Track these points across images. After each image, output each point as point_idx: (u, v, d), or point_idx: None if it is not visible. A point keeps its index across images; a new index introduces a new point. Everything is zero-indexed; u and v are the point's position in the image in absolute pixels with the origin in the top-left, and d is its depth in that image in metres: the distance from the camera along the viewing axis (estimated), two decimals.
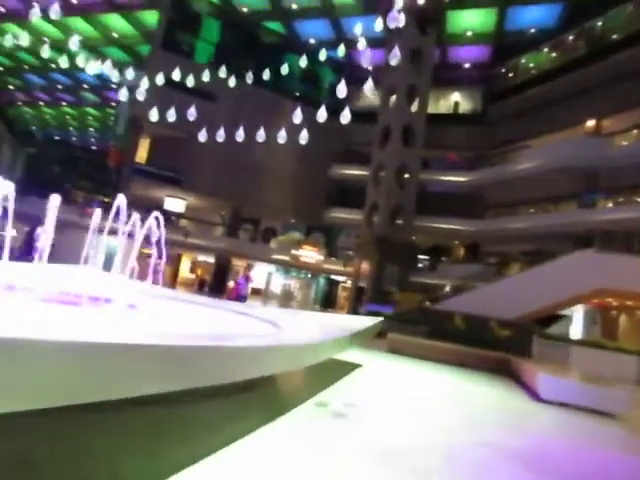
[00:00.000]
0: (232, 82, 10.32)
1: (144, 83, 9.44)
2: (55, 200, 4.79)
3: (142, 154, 26.52)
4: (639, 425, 6.59)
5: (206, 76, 10.09)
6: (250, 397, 4.19)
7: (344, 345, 5.40)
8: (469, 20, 25.56)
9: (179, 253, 29.10)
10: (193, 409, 3.58)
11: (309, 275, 31.53)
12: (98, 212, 5.98)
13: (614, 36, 21.88)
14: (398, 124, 23.95)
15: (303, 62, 9.68)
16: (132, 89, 9.91)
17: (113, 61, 9.73)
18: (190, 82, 10.00)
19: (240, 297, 13.78)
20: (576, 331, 17.74)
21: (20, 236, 22.62)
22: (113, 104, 38.45)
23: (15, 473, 2.21)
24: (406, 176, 24.27)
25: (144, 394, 2.16)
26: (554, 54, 25.23)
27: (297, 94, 28.43)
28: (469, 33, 26.55)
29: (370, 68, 9.39)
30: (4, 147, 38.03)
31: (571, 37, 24.29)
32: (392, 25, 6.59)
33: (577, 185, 21.52)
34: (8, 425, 2.33)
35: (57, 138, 53.08)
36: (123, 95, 9.88)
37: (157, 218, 5.99)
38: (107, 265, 6.25)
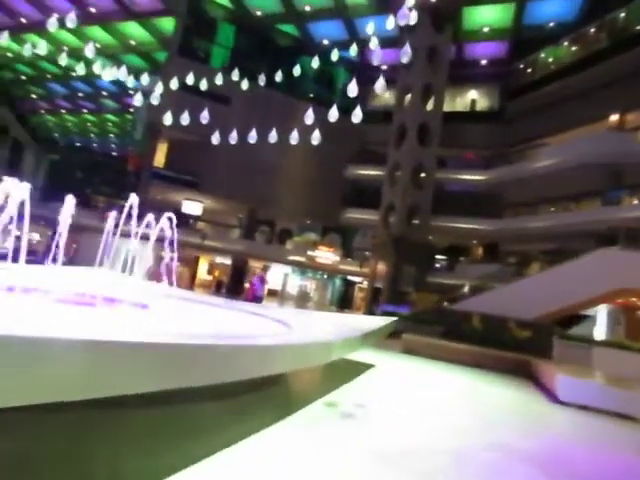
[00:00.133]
0: (246, 85, 10.43)
1: (161, 89, 9.62)
2: (70, 201, 4.90)
3: (160, 158, 26.99)
4: None
5: (220, 80, 10.21)
6: (259, 397, 4.21)
7: (355, 345, 5.36)
8: (486, 16, 25.16)
9: (197, 255, 29.45)
10: (201, 408, 3.61)
11: (325, 276, 31.52)
12: (113, 215, 6.11)
13: (638, 27, 21.26)
14: (414, 123, 23.71)
15: (317, 63, 9.72)
16: (149, 95, 10.10)
17: (130, 68, 9.94)
18: (205, 86, 10.15)
19: (256, 298, 13.82)
20: (599, 332, 17.24)
21: (44, 240, 23.27)
22: (131, 110, 39.26)
23: (15, 473, 2.23)
24: (422, 175, 24.02)
25: (152, 390, 2.20)
26: (574, 48, 24.59)
27: (311, 95, 28.50)
28: (486, 29, 26.12)
29: (385, 67, 9.36)
30: (27, 154, 39.22)
31: (592, 30, 23.65)
32: (402, 23, 6.55)
33: (599, 182, 20.92)
34: (8, 425, 2.39)
35: (79, 145, 54.54)
36: (139, 101, 10.09)
37: (170, 219, 6.09)
38: (125, 267, 6.38)
